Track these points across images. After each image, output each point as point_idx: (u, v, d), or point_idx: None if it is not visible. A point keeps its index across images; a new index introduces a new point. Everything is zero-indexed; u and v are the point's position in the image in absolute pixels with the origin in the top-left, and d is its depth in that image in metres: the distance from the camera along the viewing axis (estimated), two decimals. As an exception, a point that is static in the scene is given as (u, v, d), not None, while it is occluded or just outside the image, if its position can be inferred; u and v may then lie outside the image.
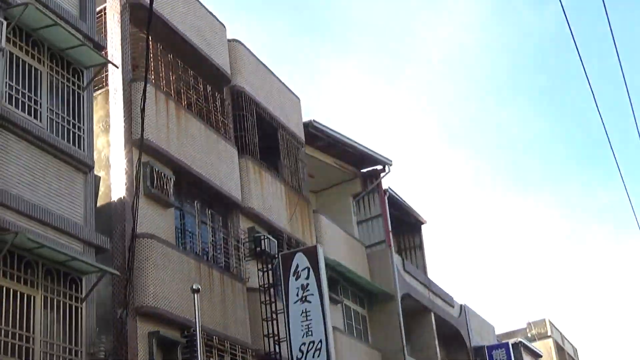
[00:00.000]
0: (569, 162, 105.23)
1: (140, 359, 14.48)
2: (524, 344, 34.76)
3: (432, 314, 27.54)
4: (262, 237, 19.19)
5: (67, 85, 13.66)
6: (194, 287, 11.57)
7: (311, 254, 19.09)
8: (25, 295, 11.82)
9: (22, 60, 12.82)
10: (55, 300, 12.33)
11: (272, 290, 18.95)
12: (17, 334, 11.54)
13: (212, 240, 18.53)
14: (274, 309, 18.66)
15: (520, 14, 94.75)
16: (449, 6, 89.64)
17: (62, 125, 13.30)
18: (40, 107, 12.91)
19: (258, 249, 19.05)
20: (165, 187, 16.36)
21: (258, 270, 18.99)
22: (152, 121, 16.35)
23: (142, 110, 13.38)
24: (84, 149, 13.50)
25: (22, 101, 12.57)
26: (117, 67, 15.73)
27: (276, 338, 18.42)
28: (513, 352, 31.02)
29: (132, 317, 14.62)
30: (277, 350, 18.33)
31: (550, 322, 43.59)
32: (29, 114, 12.62)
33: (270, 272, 19.12)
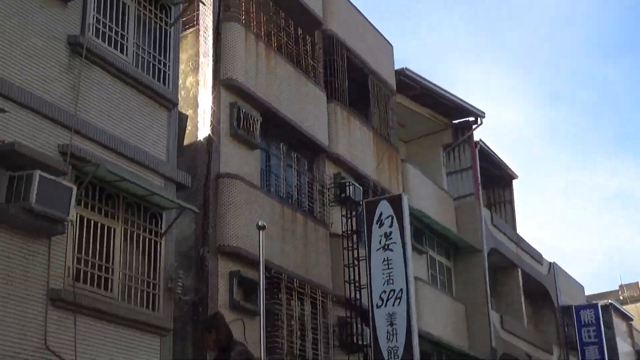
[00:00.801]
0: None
1: (221, 297, 14.42)
2: (614, 305, 33.64)
3: (519, 270, 26.88)
4: (348, 184, 18.87)
5: (154, 20, 13.41)
6: (259, 223, 11.26)
7: (395, 202, 18.68)
8: (106, 227, 11.77)
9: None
10: (135, 233, 12.25)
11: (354, 237, 18.69)
12: (97, 265, 11.53)
13: (297, 184, 18.29)
14: (355, 255, 18.41)
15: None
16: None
17: (147, 60, 13.11)
18: (127, 42, 12.72)
19: (343, 195, 18.77)
20: (251, 128, 16.12)
21: (342, 216, 18.74)
22: (240, 61, 16.10)
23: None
24: (168, 86, 13.29)
25: (108, 35, 12.39)
26: (205, 5, 15.38)
27: (357, 285, 18.21)
28: (602, 314, 29.99)
29: (213, 255, 14.55)
30: (358, 296, 18.11)
31: (642, 285, 42.19)
32: (115, 47, 12.45)
33: (354, 219, 18.84)
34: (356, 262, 18.33)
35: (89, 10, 11.94)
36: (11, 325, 10.04)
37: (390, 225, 18.47)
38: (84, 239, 11.35)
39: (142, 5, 13.16)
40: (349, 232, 18.60)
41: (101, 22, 12.25)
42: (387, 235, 18.44)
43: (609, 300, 34.10)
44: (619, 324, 32.96)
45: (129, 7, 12.87)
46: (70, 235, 11.08)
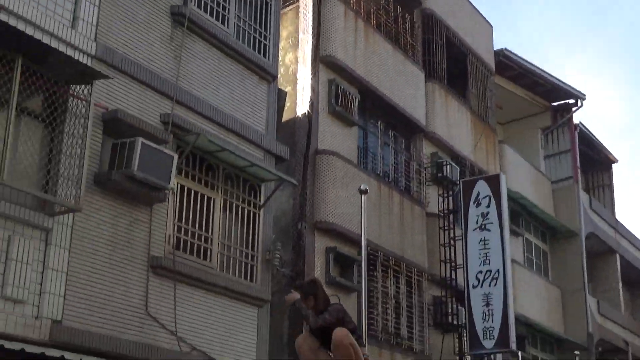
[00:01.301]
0: None
1: (317, 272, 14.20)
2: None
3: (618, 256, 25.95)
4: (445, 163, 18.50)
5: (256, -7, 13.20)
6: (361, 187, 10.98)
7: (493, 182, 18.13)
8: (206, 197, 11.65)
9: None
10: (234, 204, 12.11)
11: (451, 216, 18.28)
12: (197, 234, 11.42)
13: (394, 162, 17.93)
14: (452, 235, 18.02)
15: None
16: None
17: (248, 33, 12.93)
18: (228, 14, 12.55)
19: (440, 174, 18.41)
20: (350, 105, 15.87)
21: (438, 195, 18.35)
22: (340, 39, 15.83)
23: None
24: (268, 58, 13.09)
25: (210, 6, 12.23)
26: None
27: (452, 264, 17.81)
28: None
29: (310, 231, 14.34)
30: (453, 276, 17.71)
31: None
32: (217, 19, 12.29)
33: (450, 199, 18.42)
34: (452, 242, 17.94)
35: (192, -18, 11.79)
36: (115, 290, 10.02)
37: (488, 205, 17.94)
38: (184, 208, 11.27)
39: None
40: (445, 211, 18.21)
41: (203, -8, 12.13)
42: (484, 215, 17.92)
43: None
44: None
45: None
46: (171, 204, 11.01)
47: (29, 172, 9.18)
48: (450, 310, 17.47)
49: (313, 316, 6.96)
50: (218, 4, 12.35)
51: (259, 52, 12.93)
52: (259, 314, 12.02)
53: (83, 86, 9.59)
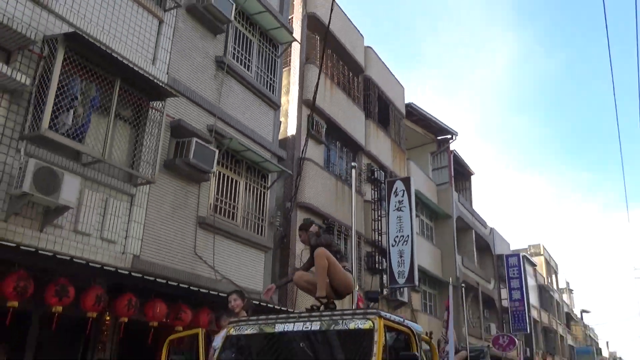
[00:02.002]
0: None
1: (299, 234, 13.34)
2: (526, 256, 32.07)
3: (473, 231, 25.55)
4: (375, 169, 17.77)
5: (268, 53, 12.38)
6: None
7: (406, 182, 17.55)
8: (234, 180, 10.76)
9: (244, 34, 11.59)
10: (251, 186, 11.26)
11: (379, 202, 17.55)
12: (228, 203, 10.54)
13: (345, 168, 17.14)
14: (379, 214, 17.25)
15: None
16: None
17: (263, 77, 12.11)
18: (251, 64, 11.71)
19: (372, 177, 17.65)
20: (320, 131, 15.08)
21: (371, 189, 17.59)
22: (319, 95, 14.93)
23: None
24: (275, 94, 12.30)
25: (240, 59, 11.39)
26: (299, 43, 14.34)
27: (379, 232, 17.07)
28: (520, 260, 28.61)
29: (295, 208, 13.49)
30: (380, 239, 16.99)
31: (543, 246, 40.44)
32: (245, 67, 11.45)
33: (378, 191, 17.71)
34: (379, 218, 17.20)
35: (229, 41, 10.91)
36: (175, 237, 9.11)
37: (402, 196, 17.32)
38: (220, 186, 10.38)
39: (262, 42, 12.12)
40: (375, 199, 17.47)
41: (236, 49, 11.24)
42: (400, 202, 17.29)
43: (523, 253, 32.49)
44: (528, 268, 31.32)
45: (252, 42, 11.85)
46: (213, 183, 10.11)
47: (121, 158, 8.23)
48: (377, 260, 16.74)
49: (286, 277, 6.09)
50: (246, 58, 11.51)
51: (270, 90, 12.12)
52: (265, 257, 11.17)
53: (159, 102, 8.68)
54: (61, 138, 7.01)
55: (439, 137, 24.53)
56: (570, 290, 48.62)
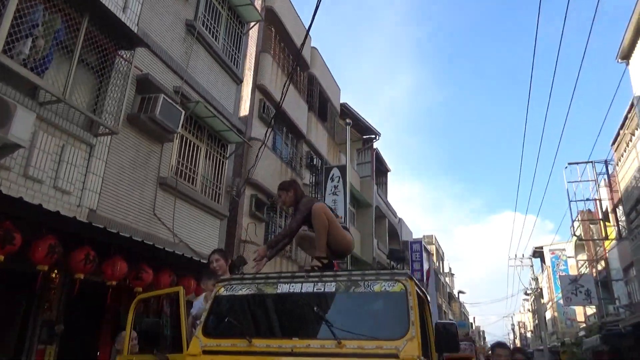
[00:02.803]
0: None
1: (246, 207, 11.94)
2: (422, 244, 32.41)
3: (387, 219, 25.19)
4: (314, 157, 16.66)
5: (235, 29, 10.84)
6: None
7: (342, 170, 16.58)
8: (196, 145, 9.18)
9: (214, 5, 9.98)
10: (211, 154, 9.71)
11: (316, 186, 16.46)
12: (189, 167, 8.94)
13: (289, 153, 15.89)
14: (316, 197, 16.15)
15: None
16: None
17: (230, 52, 10.52)
18: (219, 36, 10.11)
19: (311, 163, 16.53)
20: (269, 115, 13.70)
21: (310, 174, 16.46)
22: (267, 76, 13.67)
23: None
24: (239, 68, 10.85)
25: (210, 28, 9.75)
26: (263, 20, 12.86)
27: (316, 212, 15.96)
28: (421, 247, 28.82)
29: (245, 184, 12.08)
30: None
31: (435, 237, 41.39)
32: (214, 37, 9.81)
33: (315, 177, 16.62)
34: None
35: (200, 8, 9.32)
36: (134, 194, 7.42)
37: (338, 182, 16.38)
38: (183, 150, 8.77)
39: (229, 16, 10.56)
40: (313, 183, 16.37)
41: (206, 17, 9.64)
42: (336, 187, 16.33)
43: (421, 241, 32.86)
44: (423, 253, 31.71)
45: (222, 15, 10.28)
46: (175, 145, 8.49)
47: (82, 104, 6.47)
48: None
49: (285, 229, 4.12)
50: (214, 28, 9.92)
51: (234, 64, 10.60)
52: (220, 224, 9.67)
53: (127, 51, 6.99)
54: (16, 66, 5.22)
55: (364, 136, 23.89)
56: (452, 274, 50.40)
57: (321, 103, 18.62)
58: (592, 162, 17.64)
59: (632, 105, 14.84)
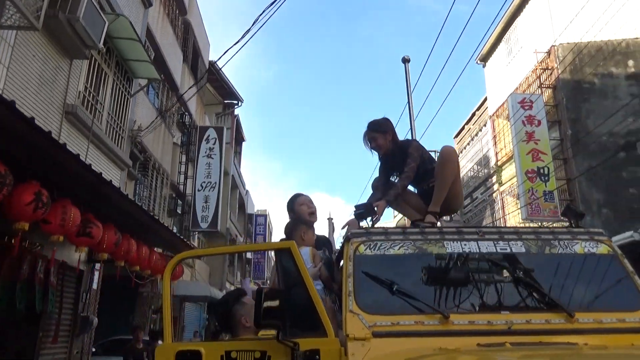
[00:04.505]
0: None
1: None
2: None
3: (238, 190, 24.40)
4: (185, 114, 15.02)
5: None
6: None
7: (219, 131, 15.41)
8: (104, 72, 7.22)
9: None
10: (117, 86, 7.75)
11: (188, 146, 14.89)
12: (95, 98, 6.98)
13: (163, 106, 13.85)
14: (187, 158, 14.62)
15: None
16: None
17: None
18: None
19: (181, 120, 14.86)
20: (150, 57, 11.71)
21: (181, 134, 14.78)
22: (154, 20, 11.64)
23: None
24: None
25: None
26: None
27: (186, 175, 14.46)
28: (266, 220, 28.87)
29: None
30: (185, 183, 14.39)
31: (268, 211, 41.74)
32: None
33: (188, 137, 15.03)
34: (187, 161, 14.61)
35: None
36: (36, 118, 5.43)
37: (214, 144, 15.08)
38: (91, 75, 6.79)
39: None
40: (184, 142, 14.76)
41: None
42: (211, 149, 15.00)
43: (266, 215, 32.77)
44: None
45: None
46: (85, 65, 6.50)
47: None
48: (177, 203, 14.13)
49: (395, 188, 3.06)
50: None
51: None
52: (121, 175, 7.86)
53: None
54: None
55: (226, 101, 22.50)
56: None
57: (194, 56, 16.81)
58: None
59: (484, 101, 17.05)
